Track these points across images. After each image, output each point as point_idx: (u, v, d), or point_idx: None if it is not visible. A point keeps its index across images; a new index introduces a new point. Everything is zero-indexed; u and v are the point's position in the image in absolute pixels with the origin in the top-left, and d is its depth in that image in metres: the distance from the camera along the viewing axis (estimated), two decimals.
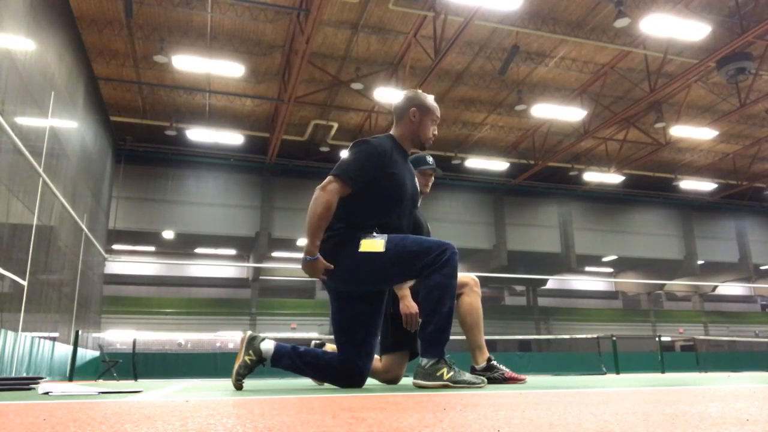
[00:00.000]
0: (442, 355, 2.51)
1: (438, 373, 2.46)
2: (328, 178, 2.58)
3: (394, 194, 2.69)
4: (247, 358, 2.59)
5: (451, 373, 2.47)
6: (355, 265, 2.57)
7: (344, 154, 2.75)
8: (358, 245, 2.56)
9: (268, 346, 2.64)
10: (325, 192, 2.55)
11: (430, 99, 2.89)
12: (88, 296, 12.65)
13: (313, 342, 3.59)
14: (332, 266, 2.57)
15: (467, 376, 2.51)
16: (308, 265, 2.55)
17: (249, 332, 2.69)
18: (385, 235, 2.58)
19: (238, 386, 2.56)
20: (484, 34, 13.36)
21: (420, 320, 2.59)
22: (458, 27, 11.37)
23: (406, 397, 1.79)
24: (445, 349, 2.53)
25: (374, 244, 2.54)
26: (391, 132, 2.89)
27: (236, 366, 2.57)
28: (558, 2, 12.32)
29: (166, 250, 23.63)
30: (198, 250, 24.55)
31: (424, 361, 2.52)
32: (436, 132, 2.90)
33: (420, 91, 2.99)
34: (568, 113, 15.23)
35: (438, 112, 2.90)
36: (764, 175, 21.55)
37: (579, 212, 22.51)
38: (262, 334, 2.70)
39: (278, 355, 2.65)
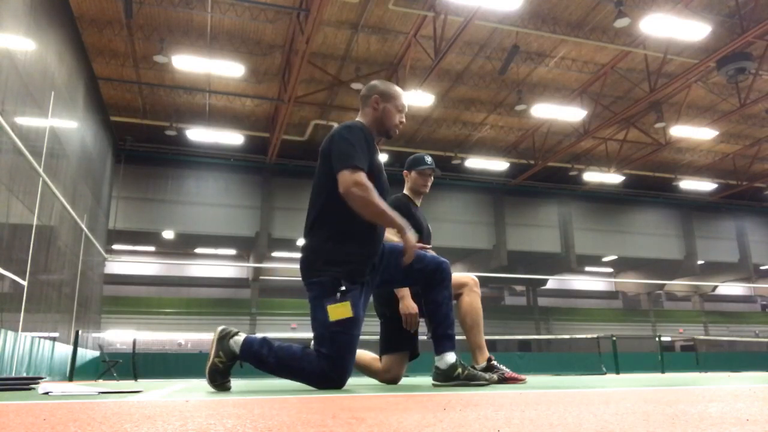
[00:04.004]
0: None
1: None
2: (353, 174, 2.43)
3: (380, 178, 2.63)
4: (217, 359, 2.57)
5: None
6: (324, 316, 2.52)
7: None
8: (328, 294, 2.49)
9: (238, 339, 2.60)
10: (362, 187, 2.43)
11: (393, 86, 2.78)
12: (88, 296, 12.64)
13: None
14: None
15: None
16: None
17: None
18: (348, 299, 2.47)
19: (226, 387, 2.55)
20: (484, 34, 13.36)
21: (419, 320, 2.59)
22: (458, 27, 11.36)
23: (406, 397, 1.79)
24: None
25: (343, 310, 2.46)
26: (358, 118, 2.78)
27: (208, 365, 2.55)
28: (558, 2, 12.32)
29: (166, 250, 23.64)
30: (198, 250, 24.55)
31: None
32: (403, 119, 2.76)
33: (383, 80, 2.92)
34: (568, 113, 15.22)
35: (402, 99, 2.75)
36: (764, 175, 21.54)
37: (579, 212, 22.50)
38: (235, 331, 2.63)
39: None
